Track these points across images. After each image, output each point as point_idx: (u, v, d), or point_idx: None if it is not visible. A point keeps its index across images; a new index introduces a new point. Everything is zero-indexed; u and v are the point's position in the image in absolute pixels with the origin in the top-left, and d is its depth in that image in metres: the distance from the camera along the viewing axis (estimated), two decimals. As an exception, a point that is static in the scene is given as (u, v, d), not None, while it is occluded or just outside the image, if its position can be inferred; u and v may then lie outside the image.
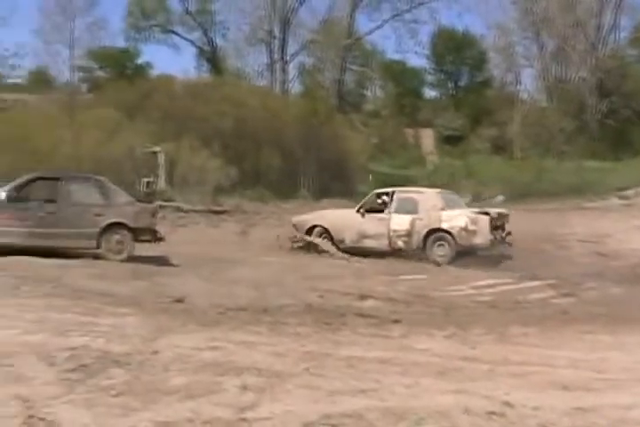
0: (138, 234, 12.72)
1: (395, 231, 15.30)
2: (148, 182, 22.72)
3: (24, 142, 22.23)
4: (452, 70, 50.02)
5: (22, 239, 12.35)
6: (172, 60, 69.52)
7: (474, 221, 14.75)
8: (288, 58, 43.76)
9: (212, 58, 46.07)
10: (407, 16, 44.24)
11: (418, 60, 71.57)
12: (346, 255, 15.27)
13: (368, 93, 53.46)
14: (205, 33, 45.95)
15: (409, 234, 15.16)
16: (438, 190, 16.70)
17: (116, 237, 12.56)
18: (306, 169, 29.84)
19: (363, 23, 56.39)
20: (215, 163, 23.10)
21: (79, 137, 22.83)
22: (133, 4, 44.82)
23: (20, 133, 22.94)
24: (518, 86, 45.77)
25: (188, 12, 45.38)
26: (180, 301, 8.86)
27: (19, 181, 13.35)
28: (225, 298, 9.21)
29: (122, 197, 13.15)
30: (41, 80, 36.86)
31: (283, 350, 6.30)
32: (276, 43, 42.99)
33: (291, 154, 29.42)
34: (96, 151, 21.92)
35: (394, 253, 15.25)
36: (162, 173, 23.02)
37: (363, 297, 9.65)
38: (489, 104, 43.72)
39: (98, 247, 12.53)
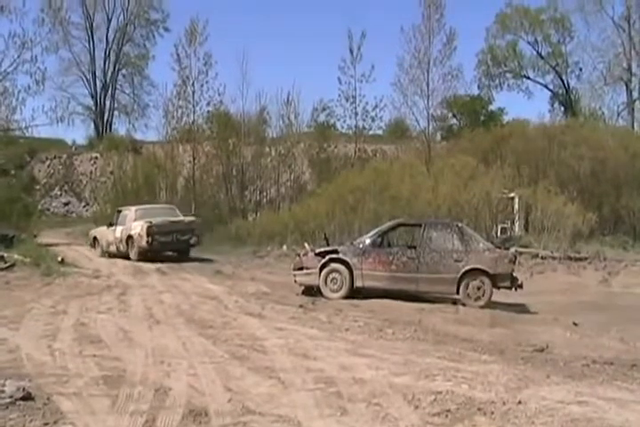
0: (497, 280, 12.71)
1: (116, 238, 20.82)
2: (503, 228, 22.77)
3: (385, 190, 23.41)
4: None
5: (386, 283, 13.05)
6: (524, 105, 69.29)
7: (142, 229, 19.64)
8: (648, 96, 41.46)
9: (565, 100, 45.21)
10: None
11: None
12: None
13: None
14: (558, 75, 45.34)
15: (121, 240, 20.57)
16: (144, 207, 21.82)
17: (476, 283, 12.66)
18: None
19: None
20: (572, 208, 22.33)
21: (436, 183, 23.47)
22: (484, 51, 45.68)
23: (382, 181, 24.19)
24: None
25: (539, 55, 45.20)
26: (541, 350, 8.71)
27: (382, 227, 14.15)
28: (589, 350, 8.87)
29: (480, 243, 13.27)
30: (398, 130, 38.63)
31: (659, 412, 5.89)
32: (635, 80, 41.04)
33: (653, 199, 27.48)
34: (453, 197, 22.35)
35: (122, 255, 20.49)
36: (518, 218, 22.84)
37: None
38: None
39: (457, 293, 12.74)
